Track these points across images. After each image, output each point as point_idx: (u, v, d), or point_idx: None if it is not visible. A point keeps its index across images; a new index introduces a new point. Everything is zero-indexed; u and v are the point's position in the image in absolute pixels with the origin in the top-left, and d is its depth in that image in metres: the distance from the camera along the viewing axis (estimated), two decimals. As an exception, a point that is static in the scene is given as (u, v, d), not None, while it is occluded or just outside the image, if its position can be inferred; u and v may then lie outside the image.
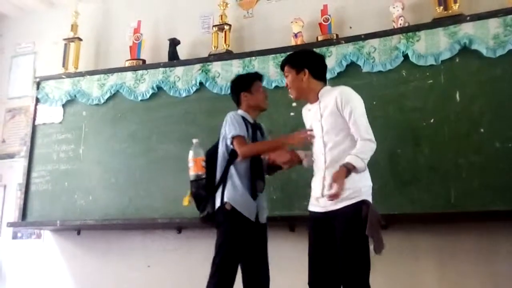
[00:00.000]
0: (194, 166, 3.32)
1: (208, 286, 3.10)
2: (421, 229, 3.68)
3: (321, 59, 3.13)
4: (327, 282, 2.82)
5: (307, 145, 3.09)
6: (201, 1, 5.06)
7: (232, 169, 3.25)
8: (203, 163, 3.32)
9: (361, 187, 2.77)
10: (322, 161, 2.89)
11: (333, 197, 2.64)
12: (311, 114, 3.04)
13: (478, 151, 3.58)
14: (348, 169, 2.68)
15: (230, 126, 3.26)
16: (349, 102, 2.83)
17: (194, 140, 3.38)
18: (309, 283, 2.87)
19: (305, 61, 3.03)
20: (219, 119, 3.39)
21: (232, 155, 3.26)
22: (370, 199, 2.79)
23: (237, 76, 3.68)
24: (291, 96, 3.10)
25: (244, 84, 3.46)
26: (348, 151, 2.75)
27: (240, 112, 3.40)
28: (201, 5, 5.04)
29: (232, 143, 3.24)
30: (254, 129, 3.36)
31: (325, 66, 3.13)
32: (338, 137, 2.85)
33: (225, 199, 3.19)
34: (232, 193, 3.20)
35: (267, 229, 3.38)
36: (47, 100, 5.09)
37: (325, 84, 3.04)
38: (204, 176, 3.31)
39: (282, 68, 3.14)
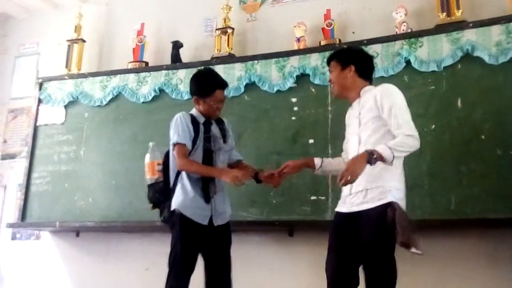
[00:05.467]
0: (149, 170, 3.35)
1: (165, 285, 3.14)
2: (421, 235, 3.65)
3: (369, 58, 3.06)
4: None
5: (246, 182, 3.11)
6: (204, 5, 5.06)
7: (183, 173, 3.22)
8: (158, 167, 3.33)
9: (389, 188, 2.66)
10: None
11: (343, 182, 2.55)
12: (351, 112, 2.99)
13: (479, 158, 3.55)
14: (371, 155, 2.55)
15: (174, 131, 3.24)
16: (388, 97, 2.75)
17: (151, 143, 3.42)
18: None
19: (353, 57, 2.99)
20: (221, 122, 3.39)
21: None
22: (401, 202, 2.67)
23: (198, 75, 3.43)
24: (334, 92, 3.07)
25: (202, 90, 3.32)
26: None
27: (193, 111, 3.35)
28: (205, 8, 5.04)
29: (173, 149, 3.22)
30: (207, 127, 3.29)
31: (373, 66, 3.06)
32: (374, 136, 2.75)
33: (173, 206, 3.17)
34: (181, 198, 3.17)
35: (229, 231, 3.33)
36: (49, 101, 5.09)
37: (370, 84, 2.98)
38: (160, 180, 3.31)
39: (328, 63, 3.07)
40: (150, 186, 3.34)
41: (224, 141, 3.36)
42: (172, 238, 3.22)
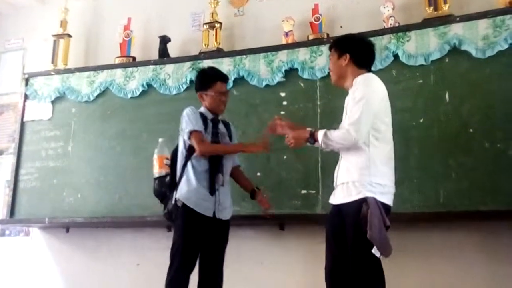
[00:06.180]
0: (156, 164, 3.39)
1: (166, 279, 3.14)
2: (411, 228, 3.69)
3: (367, 46, 2.95)
4: (342, 280, 2.75)
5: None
6: (191, -1, 5.04)
7: (189, 165, 3.26)
8: (166, 161, 3.38)
9: (366, 183, 2.63)
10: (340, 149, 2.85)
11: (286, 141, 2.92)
12: (345, 100, 2.95)
13: (467, 151, 3.58)
14: (311, 136, 2.79)
15: (187, 121, 3.27)
16: (360, 87, 2.72)
17: (160, 139, 3.46)
18: (326, 280, 2.83)
19: (349, 45, 2.92)
20: (209, 117, 3.40)
21: (189, 151, 3.27)
22: (380, 198, 2.62)
23: (200, 71, 3.60)
24: (331, 80, 3.02)
25: (202, 83, 3.44)
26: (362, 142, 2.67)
27: (201, 109, 3.41)
28: (192, 2, 5.02)
29: (189, 138, 3.24)
30: (215, 124, 3.38)
31: (372, 54, 2.96)
32: None
33: (177, 196, 3.21)
34: (184, 189, 3.21)
35: (228, 228, 3.38)
36: (36, 97, 5.05)
37: (369, 73, 2.89)
38: (166, 174, 3.35)
39: (330, 50, 3.03)
40: (157, 179, 3.38)
41: (230, 139, 3.46)
42: (175, 230, 3.26)
